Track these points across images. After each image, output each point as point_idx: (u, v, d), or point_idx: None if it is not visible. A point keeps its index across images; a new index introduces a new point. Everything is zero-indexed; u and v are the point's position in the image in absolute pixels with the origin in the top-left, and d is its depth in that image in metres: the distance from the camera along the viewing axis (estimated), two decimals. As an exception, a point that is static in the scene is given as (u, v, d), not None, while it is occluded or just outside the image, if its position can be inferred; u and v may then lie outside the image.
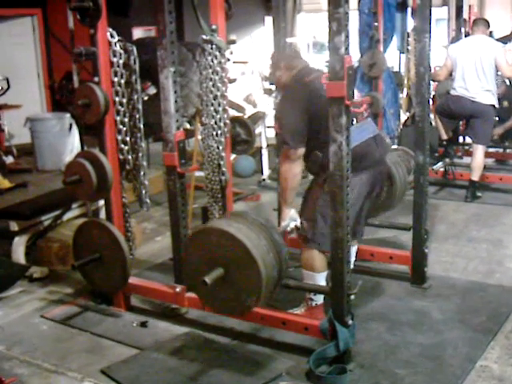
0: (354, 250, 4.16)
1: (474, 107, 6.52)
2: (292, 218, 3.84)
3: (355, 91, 3.39)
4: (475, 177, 6.62)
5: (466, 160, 7.42)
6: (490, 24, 6.95)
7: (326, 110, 3.19)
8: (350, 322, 3.40)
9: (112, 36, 3.90)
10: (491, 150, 7.95)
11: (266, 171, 7.88)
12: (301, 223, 3.86)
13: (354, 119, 3.72)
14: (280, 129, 3.83)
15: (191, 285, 3.51)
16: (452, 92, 6.68)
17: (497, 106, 6.62)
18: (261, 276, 3.12)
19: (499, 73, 6.62)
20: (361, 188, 3.72)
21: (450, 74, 6.80)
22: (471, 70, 6.46)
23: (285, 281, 3.46)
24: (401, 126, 7.45)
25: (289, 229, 3.84)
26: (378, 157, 3.85)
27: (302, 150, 3.67)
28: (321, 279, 3.83)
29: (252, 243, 3.14)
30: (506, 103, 7.95)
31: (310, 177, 4.02)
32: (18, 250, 4.96)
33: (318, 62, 6.88)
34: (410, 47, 7.43)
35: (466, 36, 7.60)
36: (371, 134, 3.84)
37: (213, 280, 3.14)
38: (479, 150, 6.61)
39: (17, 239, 4.99)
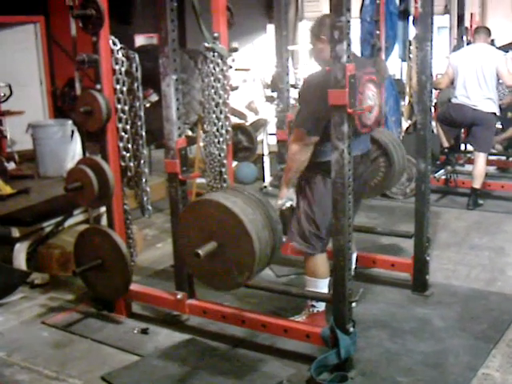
0: (353, 256, 4.15)
1: (475, 115, 6.52)
2: (289, 198, 3.81)
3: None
4: (477, 184, 6.62)
5: (468, 168, 7.43)
6: (491, 32, 6.98)
7: None
8: (352, 329, 3.40)
9: (114, 43, 3.91)
10: (493, 157, 7.95)
11: (268, 178, 7.88)
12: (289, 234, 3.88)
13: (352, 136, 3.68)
14: (301, 109, 3.72)
15: (184, 257, 3.50)
16: (453, 100, 6.69)
17: (498, 113, 6.63)
18: (254, 252, 3.12)
19: (501, 81, 6.61)
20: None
21: (452, 83, 6.80)
22: (472, 79, 6.47)
23: (286, 288, 3.46)
24: (402, 134, 7.46)
25: (284, 207, 3.82)
26: (358, 172, 3.76)
27: (315, 139, 3.59)
28: (323, 286, 3.83)
29: (247, 218, 3.13)
30: (510, 114, 7.97)
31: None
32: (20, 256, 4.96)
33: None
34: (411, 55, 7.45)
35: (467, 44, 7.61)
36: (360, 151, 3.79)
37: (206, 253, 3.14)
38: (481, 158, 6.62)
39: (18, 245, 4.99)
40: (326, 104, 3.22)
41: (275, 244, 3.30)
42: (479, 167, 6.62)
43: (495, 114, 6.56)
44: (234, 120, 6.09)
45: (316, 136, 3.59)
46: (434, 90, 6.61)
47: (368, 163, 4.03)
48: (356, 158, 3.69)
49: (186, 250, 3.37)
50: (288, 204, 3.82)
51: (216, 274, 3.31)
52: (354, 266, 4.07)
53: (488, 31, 6.88)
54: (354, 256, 4.25)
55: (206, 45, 4.38)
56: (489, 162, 7.22)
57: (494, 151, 7.83)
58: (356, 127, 3.56)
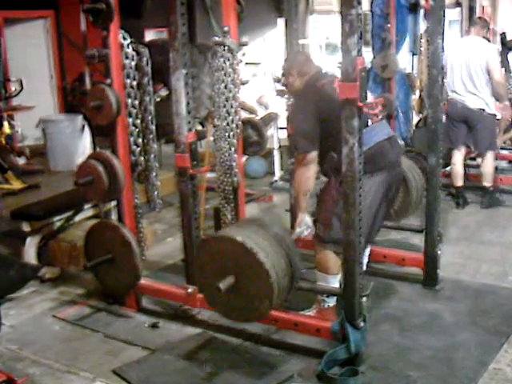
0: (366, 251, 4.15)
1: (464, 112, 6.34)
2: (307, 224, 3.86)
3: (368, 92, 3.37)
4: (487, 182, 6.48)
5: (479, 161, 7.38)
6: (487, 24, 6.73)
7: (338, 113, 3.18)
8: (362, 324, 3.39)
9: (124, 38, 3.91)
10: (505, 152, 7.89)
11: (278, 172, 7.87)
12: (315, 223, 3.86)
13: (369, 121, 3.71)
14: (292, 133, 3.86)
15: (204, 293, 3.58)
16: (448, 96, 6.55)
17: (489, 111, 6.31)
18: (272, 285, 3.15)
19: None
20: (377, 190, 3.72)
21: None
22: (458, 73, 6.29)
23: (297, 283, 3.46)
24: (413, 128, 7.43)
25: (303, 236, 3.87)
26: (392, 158, 3.85)
27: (314, 154, 3.70)
28: (334, 281, 3.82)
29: (263, 252, 3.16)
30: None
31: (322, 178, 4.02)
32: (30, 250, 4.98)
33: (331, 63, 6.87)
34: (422, 49, 7.41)
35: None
36: (385, 136, 3.83)
37: (226, 287, 3.17)
38: (488, 156, 6.45)
39: (29, 240, 5.01)
40: (317, 111, 3.60)
41: (293, 274, 3.32)
42: (488, 165, 6.47)
43: (484, 110, 6.28)
44: (244, 114, 6.08)
45: (313, 151, 3.69)
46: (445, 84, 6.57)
47: (398, 146, 4.06)
48: (384, 142, 3.78)
49: (205, 285, 3.45)
50: (306, 232, 3.84)
51: (237, 307, 3.35)
52: (366, 261, 4.08)
53: (484, 23, 6.58)
54: (368, 250, 4.24)
55: (216, 39, 4.37)
56: (500, 157, 7.17)
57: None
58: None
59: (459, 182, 6.54)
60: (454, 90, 6.37)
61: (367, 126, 3.63)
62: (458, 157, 6.54)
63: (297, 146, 3.81)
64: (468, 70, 6.24)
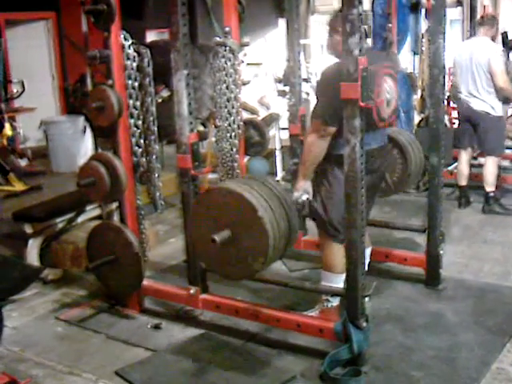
0: (368, 251, 4.14)
1: (469, 112, 6.30)
2: (305, 191, 3.79)
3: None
4: (488, 187, 6.27)
5: (482, 160, 7.38)
6: (496, 22, 6.46)
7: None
8: (365, 324, 3.39)
9: (126, 39, 3.92)
10: (508, 151, 7.86)
11: (280, 173, 7.87)
12: (311, 204, 3.84)
13: (370, 129, 3.66)
14: (318, 101, 3.71)
15: (196, 245, 3.50)
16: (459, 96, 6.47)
17: (494, 114, 6.18)
18: (268, 244, 3.10)
19: None
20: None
21: None
22: (463, 74, 6.25)
23: (300, 283, 3.45)
24: (415, 128, 7.42)
25: (300, 200, 3.78)
26: (375, 166, 3.79)
27: (333, 130, 3.55)
28: (339, 280, 3.79)
29: (261, 205, 3.12)
30: None
31: None
32: (33, 252, 4.98)
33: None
34: (424, 48, 7.40)
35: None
36: (375, 145, 3.77)
37: (222, 239, 3.14)
38: (489, 160, 6.31)
39: (31, 241, 5.01)
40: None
41: (290, 233, 3.27)
42: (487, 169, 6.29)
43: (488, 113, 6.16)
44: (246, 115, 6.09)
45: (333, 127, 3.55)
46: (446, 84, 6.54)
47: (384, 157, 4.01)
48: (373, 151, 3.68)
49: (198, 239, 3.38)
50: (304, 197, 3.79)
51: (230, 262, 3.29)
52: (368, 261, 4.07)
53: (492, 22, 6.35)
54: (369, 250, 4.24)
55: (218, 39, 4.37)
56: (503, 156, 7.13)
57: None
58: (374, 121, 3.57)
59: (463, 182, 6.52)
60: (460, 92, 6.34)
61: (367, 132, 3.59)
62: (464, 157, 6.52)
63: (320, 114, 3.60)
64: (471, 72, 6.17)
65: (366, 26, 3.15)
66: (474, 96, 6.19)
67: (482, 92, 6.14)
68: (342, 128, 3.42)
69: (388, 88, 3.68)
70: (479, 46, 6.20)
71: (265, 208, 3.13)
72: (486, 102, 6.16)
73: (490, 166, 6.30)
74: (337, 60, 3.67)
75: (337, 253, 3.80)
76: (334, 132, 3.57)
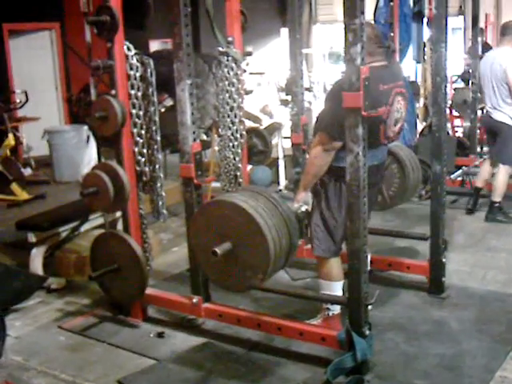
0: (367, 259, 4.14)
1: (489, 122, 6.29)
2: (305, 201, 3.79)
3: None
4: (495, 197, 6.23)
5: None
6: None
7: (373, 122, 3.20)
8: (368, 332, 3.39)
9: (129, 49, 3.94)
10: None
11: (283, 182, 7.89)
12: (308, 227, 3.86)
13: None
14: (325, 114, 3.68)
15: (197, 256, 3.53)
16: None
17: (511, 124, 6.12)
18: (269, 254, 3.12)
19: None
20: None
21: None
22: (485, 86, 6.25)
23: (302, 291, 3.46)
24: (417, 136, 7.44)
25: (299, 212, 3.78)
26: (372, 181, 3.76)
27: (338, 144, 3.52)
28: (337, 288, 3.82)
29: (263, 220, 3.13)
30: None
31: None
32: (36, 261, 4.99)
33: (335, 72, 6.89)
34: (426, 57, 7.43)
35: (482, 45, 7.55)
36: (375, 161, 3.74)
37: (223, 252, 3.16)
38: (500, 169, 6.24)
39: (34, 250, 5.02)
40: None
41: (291, 247, 3.30)
42: (499, 179, 6.23)
43: (506, 123, 6.08)
44: (249, 124, 6.11)
45: (338, 141, 3.51)
46: (448, 91, 6.53)
47: (382, 172, 4.03)
48: (373, 167, 3.68)
49: (199, 250, 3.41)
50: (304, 208, 3.80)
51: (229, 274, 3.32)
52: (368, 269, 4.07)
53: None
54: (368, 258, 4.24)
55: (220, 49, 4.40)
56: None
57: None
58: (379, 139, 3.60)
59: (479, 183, 6.53)
60: (484, 102, 6.34)
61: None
62: (486, 163, 6.55)
63: (326, 128, 3.57)
64: (491, 82, 6.15)
65: (390, 43, 3.18)
66: (495, 108, 6.15)
67: (501, 103, 6.09)
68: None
69: (398, 107, 3.69)
70: (498, 57, 6.15)
71: (269, 227, 3.15)
72: (505, 113, 6.10)
73: (502, 176, 6.23)
74: None
75: (333, 263, 3.81)
76: (339, 147, 3.54)
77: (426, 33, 7.45)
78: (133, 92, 3.98)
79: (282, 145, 7.90)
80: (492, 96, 6.16)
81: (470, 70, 7.80)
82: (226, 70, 4.42)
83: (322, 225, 3.80)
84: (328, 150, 3.58)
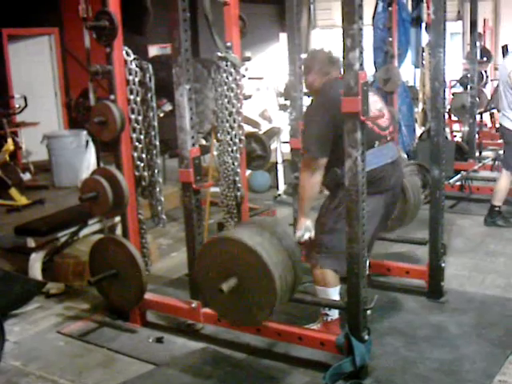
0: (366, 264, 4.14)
1: (500, 128, 6.31)
2: (307, 229, 3.80)
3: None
4: (494, 201, 6.22)
5: (483, 174, 7.41)
6: None
7: None
8: (367, 337, 3.39)
9: (128, 54, 3.94)
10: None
11: (282, 186, 7.89)
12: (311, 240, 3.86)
13: (377, 142, 3.68)
14: (304, 135, 3.75)
15: (204, 292, 3.56)
16: None
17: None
18: (276, 292, 3.14)
19: None
20: (376, 210, 3.70)
21: None
22: (499, 91, 6.22)
23: (301, 296, 3.47)
24: (416, 141, 7.45)
25: (303, 240, 3.82)
26: (392, 182, 3.80)
27: (323, 161, 3.58)
28: (334, 294, 3.81)
29: (271, 260, 3.15)
30: None
31: (326, 192, 4.00)
32: (35, 266, 4.99)
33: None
34: (424, 62, 7.44)
35: (480, 50, 7.55)
36: (389, 159, 3.76)
37: (229, 288, 3.17)
38: (503, 174, 6.23)
39: (33, 255, 5.02)
40: (332, 119, 3.40)
41: (296, 280, 3.34)
42: (500, 183, 6.21)
43: (509, 129, 6.03)
44: (248, 129, 6.11)
45: (323, 157, 3.58)
46: (447, 96, 6.52)
47: (401, 169, 4.00)
48: (387, 166, 3.70)
49: (206, 287, 3.44)
50: (306, 236, 3.80)
51: (236, 311, 3.37)
52: (366, 273, 4.07)
53: None
54: (367, 263, 4.24)
55: (219, 54, 4.40)
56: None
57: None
58: (374, 133, 3.62)
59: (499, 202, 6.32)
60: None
61: (373, 147, 3.61)
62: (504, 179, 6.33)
63: (308, 149, 3.64)
64: (500, 87, 6.17)
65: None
66: (502, 113, 6.15)
67: (507, 108, 6.05)
68: (336, 156, 3.50)
69: (371, 101, 3.64)
70: (506, 62, 6.15)
71: (275, 264, 3.17)
72: (509, 119, 6.05)
73: (504, 181, 6.20)
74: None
75: (329, 272, 3.81)
76: (325, 162, 3.60)
77: (425, 38, 7.45)
78: (132, 97, 3.99)
79: (280, 150, 7.91)
80: (500, 101, 6.20)
81: (469, 75, 7.85)
82: (224, 75, 4.42)
83: (321, 234, 3.78)
84: (314, 170, 3.62)
